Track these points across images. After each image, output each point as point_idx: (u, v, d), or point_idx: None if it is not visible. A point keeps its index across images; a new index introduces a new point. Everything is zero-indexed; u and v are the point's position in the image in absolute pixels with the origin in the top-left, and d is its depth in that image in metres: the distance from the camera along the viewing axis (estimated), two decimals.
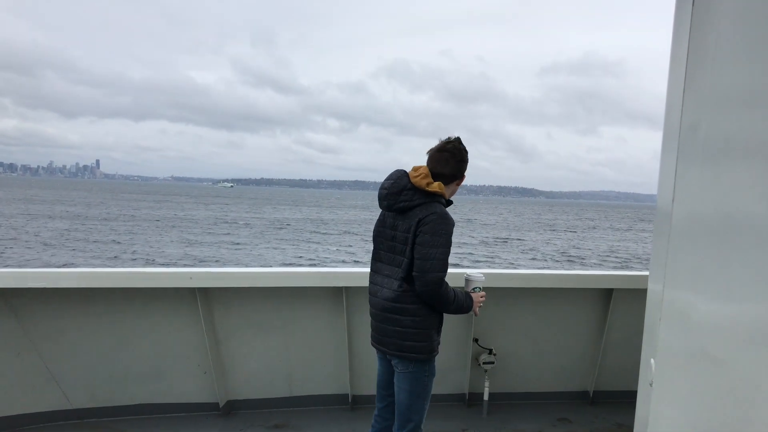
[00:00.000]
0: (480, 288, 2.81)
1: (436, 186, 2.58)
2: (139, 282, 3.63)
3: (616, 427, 4.12)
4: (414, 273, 2.52)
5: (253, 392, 4.12)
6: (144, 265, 22.98)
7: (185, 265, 20.03)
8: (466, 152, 2.71)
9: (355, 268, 4.02)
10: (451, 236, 2.55)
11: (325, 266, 12.19)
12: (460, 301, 2.64)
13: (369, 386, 4.21)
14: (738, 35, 1.39)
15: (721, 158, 1.43)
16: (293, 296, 3.98)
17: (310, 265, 23.60)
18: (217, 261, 26.33)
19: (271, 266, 19.19)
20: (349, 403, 4.21)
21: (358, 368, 4.17)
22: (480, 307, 2.80)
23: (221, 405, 4.01)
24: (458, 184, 2.75)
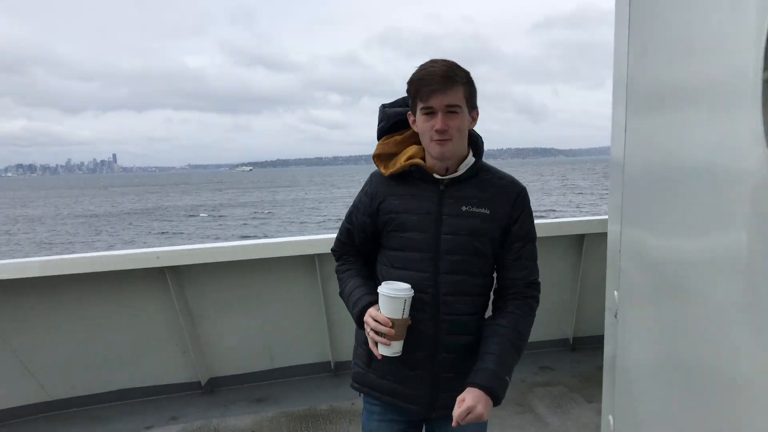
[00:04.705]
0: (388, 313, 1.59)
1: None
2: (104, 266, 3.58)
3: (598, 370, 4.05)
4: None
5: (234, 368, 4.13)
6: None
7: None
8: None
9: (326, 235, 3.97)
10: (359, 197, 1.90)
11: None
12: (345, 296, 1.89)
13: (351, 352, 4.17)
14: None
15: (664, 106, 1.51)
16: (266, 268, 3.95)
17: None
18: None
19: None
20: (333, 370, 4.21)
21: (338, 334, 4.15)
22: (380, 337, 1.62)
23: (203, 383, 4.03)
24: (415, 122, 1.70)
